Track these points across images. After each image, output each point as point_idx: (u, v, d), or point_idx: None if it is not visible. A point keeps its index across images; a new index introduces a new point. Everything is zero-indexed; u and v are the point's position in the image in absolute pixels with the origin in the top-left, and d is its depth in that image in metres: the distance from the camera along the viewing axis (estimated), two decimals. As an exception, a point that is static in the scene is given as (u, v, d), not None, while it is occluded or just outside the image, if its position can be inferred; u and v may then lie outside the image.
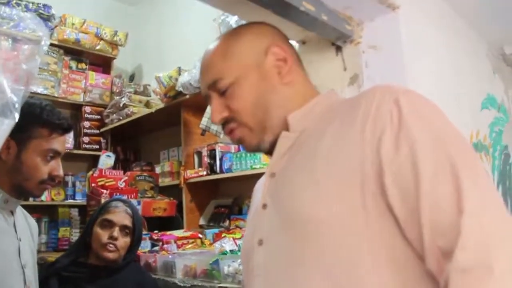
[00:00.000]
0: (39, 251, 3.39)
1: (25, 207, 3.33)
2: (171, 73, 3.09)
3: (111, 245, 1.87)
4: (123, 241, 1.91)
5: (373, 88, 0.82)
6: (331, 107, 0.91)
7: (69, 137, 3.81)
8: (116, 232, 1.89)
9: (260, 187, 1.04)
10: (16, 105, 1.06)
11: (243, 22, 2.48)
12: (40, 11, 3.65)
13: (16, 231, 1.46)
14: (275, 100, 0.92)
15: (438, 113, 0.78)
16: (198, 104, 2.96)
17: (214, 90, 0.94)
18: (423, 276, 0.71)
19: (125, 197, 2.73)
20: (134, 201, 2.88)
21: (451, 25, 1.89)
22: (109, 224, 1.91)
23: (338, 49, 1.60)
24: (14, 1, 3.55)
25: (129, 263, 1.96)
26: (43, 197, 3.55)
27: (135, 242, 1.98)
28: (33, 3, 3.64)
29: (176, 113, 3.18)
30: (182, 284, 1.88)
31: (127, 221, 1.94)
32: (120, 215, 1.94)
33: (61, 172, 1.49)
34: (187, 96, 2.98)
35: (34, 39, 1.14)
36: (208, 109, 2.75)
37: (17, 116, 1.02)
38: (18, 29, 3.27)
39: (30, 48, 1.14)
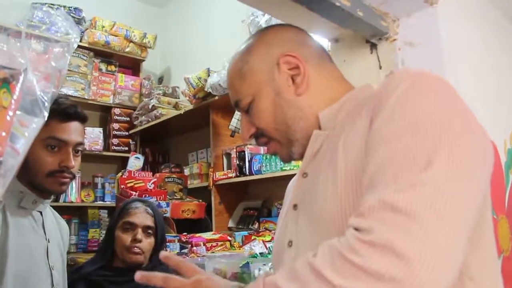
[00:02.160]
0: (69, 252, 3.43)
1: (55, 208, 3.37)
2: (200, 74, 3.07)
3: (135, 248, 1.82)
4: (147, 243, 1.86)
5: (393, 74, 0.78)
6: (361, 101, 0.86)
7: (99, 139, 3.85)
8: (139, 234, 1.84)
9: (292, 187, 1.01)
10: (46, 104, 1.04)
11: (273, 21, 2.47)
12: (71, 14, 3.71)
13: (45, 232, 1.45)
14: (293, 114, 0.90)
15: (436, 102, 0.70)
16: (227, 105, 2.93)
17: (239, 109, 0.96)
18: None
19: (151, 198, 2.72)
20: (163, 203, 2.88)
21: (490, 19, 1.81)
22: (131, 227, 1.86)
23: (373, 46, 1.55)
24: (46, 5, 3.60)
25: (156, 265, 1.92)
26: (73, 198, 3.59)
27: (160, 241, 1.92)
28: (64, 6, 3.69)
29: (205, 115, 3.17)
30: (211, 288, 1.85)
31: (149, 221, 1.89)
32: (141, 216, 1.89)
33: (71, 163, 1.40)
34: (216, 97, 2.96)
35: (65, 40, 1.12)
36: (237, 110, 2.72)
37: (46, 115, 1.00)
38: (50, 32, 3.31)
39: (61, 49, 1.12)
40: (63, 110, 1.42)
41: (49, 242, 1.45)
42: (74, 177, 1.48)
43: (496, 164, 1.54)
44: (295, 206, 0.87)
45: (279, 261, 0.90)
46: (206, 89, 2.97)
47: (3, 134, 0.85)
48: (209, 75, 3.00)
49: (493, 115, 1.64)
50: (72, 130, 1.43)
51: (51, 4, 3.62)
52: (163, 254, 0.90)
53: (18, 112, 0.93)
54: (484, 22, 1.76)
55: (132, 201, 2.00)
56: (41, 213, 1.46)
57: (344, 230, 0.66)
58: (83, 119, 1.50)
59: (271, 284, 0.66)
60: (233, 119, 2.76)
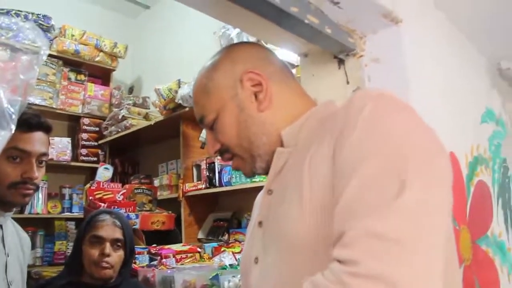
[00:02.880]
0: (34, 265, 3.36)
1: (20, 219, 3.29)
2: (171, 86, 3.07)
3: (104, 263, 1.75)
4: (116, 256, 1.80)
5: (353, 96, 0.79)
6: (323, 119, 0.88)
7: (67, 149, 3.79)
8: (107, 248, 1.77)
9: (258, 202, 1.02)
10: (13, 116, 1.04)
11: (244, 35, 2.50)
12: (40, 21, 3.64)
13: (4, 246, 1.41)
14: (256, 130, 0.92)
15: (402, 122, 0.73)
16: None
17: (203, 125, 0.98)
18: None
19: (120, 210, 2.69)
20: (132, 215, 2.86)
21: (452, 39, 1.88)
22: (99, 240, 1.79)
23: (341, 62, 1.58)
24: (14, 11, 3.54)
25: (125, 278, 1.89)
26: (39, 210, 3.52)
27: (129, 254, 1.86)
28: (32, 13, 3.63)
29: (175, 126, 3.16)
30: (181, 300, 1.85)
31: (118, 234, 1.82)
32: (109, 229, 1.81)
33: (34, 174, 1.37)
34: (187, 109, 2.96)
35: (33, 49, 1.12)
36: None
37: (13, 127, 1.00)
38: (17, 39, 3.25)
39: (29, 58, 1.11)
40: (26, 120, 1.36)
41: (8, 256, 1.41)
42: (37, 188, 1.45)
43: (457, 176, 1.60)
44: (260, 223, 0.89)
45: (246, 275, 0.91)
46: (176, 101, 2.97)
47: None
48: (179, 87, 3.00)
49: (455, 129, 1.70)
50: (35, 141, 1.40)
51: (19, 10, 3.55)
52: None
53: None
54: (446, 41, 1.83)
55: (99, 213, 1.92)
56: (1, 226, 1.42)
57: (310, 252, 0.69)
58: (47, 129, 1.46)
59: None
60: (203, 130, 2.77)
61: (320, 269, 0.65)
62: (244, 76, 0.92)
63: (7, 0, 3.58)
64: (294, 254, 0.76)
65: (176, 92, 2.99)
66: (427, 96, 1.52)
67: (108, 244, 1.78)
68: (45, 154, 1.44)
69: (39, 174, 1.40)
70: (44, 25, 3.72)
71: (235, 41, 2.53)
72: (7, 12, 3.49)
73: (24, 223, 3.38)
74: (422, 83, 1.53)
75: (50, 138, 3.43)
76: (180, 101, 2.93)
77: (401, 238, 0.60)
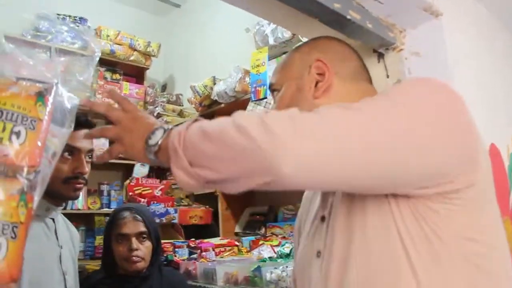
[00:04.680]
0: (78, 259, 3.46)
1: (63, 215, 3.39)
2: (206, 82, 3.12)
3: (133, 257, 1.84)
4: (144, 248, 1.88)
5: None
6: None
7: (105, 147, 3.85)
8: (133, 243, 1.85)
9: (312, 195, 1.05)
10: (72, 115, 1.09)
11: (278, 31, 2.52)
12: (77, 24, 3.75)
13: (57, 239, 1.48)
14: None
15: (423, 100, 0.77)
16: (232, 112, 2.96)
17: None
18: None
19: (159, 205, 2.76)
20: (171, 209, 2.92)
21: (492, 32, 1.87)
22: (124, 237, 1.87)
23: (380, 56, 1.59)
24: (53, 16, 3.65)
25: (159, 266, 1.95)
26: (79, 206, 3.62)
27: (156, 242, 1.93)
28: (70, 16, 3.74)
29: (210, 122, 3.19)
30: (224, 292, 1.89)
31: (140, 227, 1.89)
32: (131, 225, 1.89)
33: (85, 169, 1.46)
34: (222, 105, 3.00)
35: (89, 55, 1.17)
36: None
37: (72, 125, 1.05)
38: (56, 41, 3.34)
39: (85, 60, 1.17)
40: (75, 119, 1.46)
41: (61, 248, 1.48)
42: (86, 182, 1.52)
43: (499, 167, 1.59)
44: (323, 218, 0.91)
45: (303, 270, 0.93)
46: (212, 97, 3.02)
47: (39, 144, 0.89)
48: (215, 83, 3.04)
49: (495, 121, 1.69)
50: (83, 138, 1.47)
51: (57, 14, 3.67)
52: (107, 90, 1.01)
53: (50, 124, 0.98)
54: (485, 30, 1.81)
55: (118, 210, 1.99)
56: (53, 220, 1.49)
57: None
58: (92, 127, 1.54)
59: (196, 126, 0.79)
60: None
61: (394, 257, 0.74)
62: (314, 63, 0.98)
63: (45, 4, 3.69)
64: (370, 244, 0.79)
65: (212, 88, 3.03)
66: (468, 88, 1.52)
67: (133, 239, 1.86)
68: (92, 150, 1.53)
69: (88, 169, 1.49)
70: (80, 27, 3.83)
71: (270, 37, 2.56)
72: (46, 16, 3.60)
73: (67, 218, 3.51)
74: (462, 76, 1.52)
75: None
76: (216, 98, 2.98)
77: (325, 121, 0.72)
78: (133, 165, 3.63)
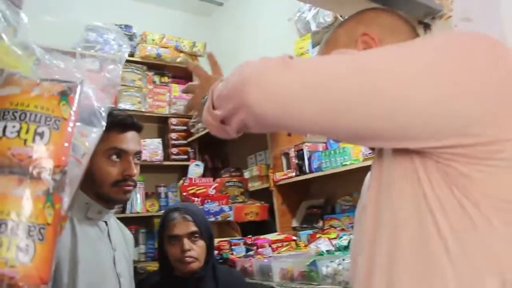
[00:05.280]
0: (139, 261, 3.53)
1: (123, 219, 3.46)
2: (251, 76, 3.07)
3: (187, 258, 1.80)
4: (197, 247, 1.84)
5: None
6: None
7: (159, 149, 3.93)
8: (186, 244, 1.81)
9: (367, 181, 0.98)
10: (103, 114, 1.06)
11: (320, 15, 2.43)
12: (123, 31, 3.81)
13: (110, 241, 1.49)
14: None
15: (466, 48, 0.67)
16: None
17: None
18: None
19: (213, 203, 2.74)
20: (226, 207, 2.89)
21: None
22: (176, 239, 1.84)
23: (427, 27, 1.48)
24: (100, 26, 3.73)
25: (214, 265, 1.91)
26: (138, 209, 3.69)
27: (208, 241, 1.89)
28: (115, 24, 3.80)
29: (259, 116, 3.14)
30: (280, 288, 1.83)
31: (191, 227, 1.85)
32: (181, 226, 1.85)
33: (133, 171, 1.45)
34: (270, 97, 2.94)
35: (117, 58, 1.15)
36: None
37: (104, 124, 1.02)
38: (104, 51, 3.42)
39: (113, 60, 1.14)
40: (121, 121, 1.47)
41: (115, 250, 1.48)
42: (135, 184, 1.52)
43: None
44: (366, 205, 0.84)
45: (355, 257, 0.87)
46: (258, 90, 2.96)
47: (66, 144, 0.87)
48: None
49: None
50: (131, 140, 1.48)
51: (104, 24, 3.75)
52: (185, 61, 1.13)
53: (77, 124, 0.95)
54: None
55: (168, 212, 1.96)
56: (106, 223, 1.50)
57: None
58: (139, 129, 1.54)
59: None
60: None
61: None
62: (360, 38, 0.92)
63: (91, 15, 3.78)
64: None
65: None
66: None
67: (185, 240, 1.82)
68: (140, 152, 1.52)
69: (136, 171, 1.48)
70: (126, 34, 3.90)
71: (312, 23, 2.47)
72: (94, 27, 3.69)
73: (127, 222, 3.55)
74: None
75: (142, 140, 3.58)
76: (262, 91, 2.91)
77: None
78: (188, 166, 3.66)
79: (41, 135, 0.82)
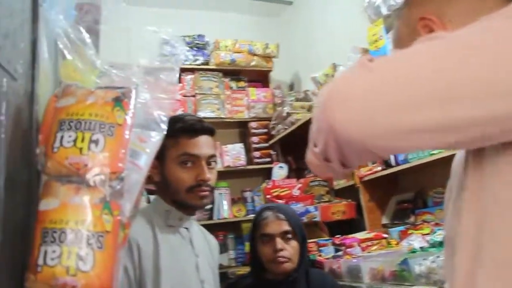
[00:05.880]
0: (230, 266, 3.55)
1: (210, 225, 3.50)
2: (327, 71, 2.98)
3: (279, 258, 1.75)
4: (290, 248, 1.78)
5: None
6: None
7: (241, 154, 3.94)
8: (278, 243, 1.75)
9: (455, 166, 0.84)
10: (163, 118, 1.04)
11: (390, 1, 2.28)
12: (196, 41, 3.89)
13: (193, 247, 1.48)
14: None
15: None
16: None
17: None
18: None
19: (297, 204, 2.68)
20: (311, 208, 2.82)
21: None
22: (269, 238, 1.79)
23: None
24: (174, 39, 3.83)
25: (307, 268, 1.84)
26: (225, 215, 3.71)
27: (302, 242, 1.83)
28: (188, 36, 3.89)
29: (338, 112, 3.03)
30: (370, 289, 1.72)
31: (284, 226, 1.79)
32: (274, 224, 1.80)
33: (206, 176, 1.43)
34: (347, 91, 2.83)
35: (173, 62, 1.15)
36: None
37: (164, 128, 1.00)
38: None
39: (169, 63, 1.14)
40: (190, 126, 1.46)
41: (198, 257, 1.48)
42: (212, 190, 1.49)
43: None
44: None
45: (450, 247, 0.75)
46: (335, 85, 2.85)
47: (122, 151, 0.85)
48: (335, 70, 2.88)
49: None
50: (202, 144, 1.47)
51: (178, 36, 3.86)
52: None
53: (136, 130, 0.94)
54: None
55: (260, 211, 1.92)
56: (187, 229, 1.49)
57: None
58: (211, 132, 1.52)
59: None
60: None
61: None
62: (419, 24, 0.78)
63: (163, 28, 3.89)
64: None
65: (333, 76, 2.88)
66: None
67: (278, 239, 1.77)
68: (213, 156, 1.50)
69: (211, 175, 1.46)
70: (200, 43, 3.97)
71: (382, 7, 2.33)
72: (167, 42, 3.79)
73: (214, 228, 3.62)
74: None
75: (223, 146, 3.61)
76: (339, 85, 2.81)
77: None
78: (271, 169, 3.63)
79: (96, 142, 0.82)
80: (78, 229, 0.75)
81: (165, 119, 1.05)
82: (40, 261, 0.72)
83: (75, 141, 0.81)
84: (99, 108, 0.85)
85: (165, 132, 1.04)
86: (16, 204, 0.80)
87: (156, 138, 1.01)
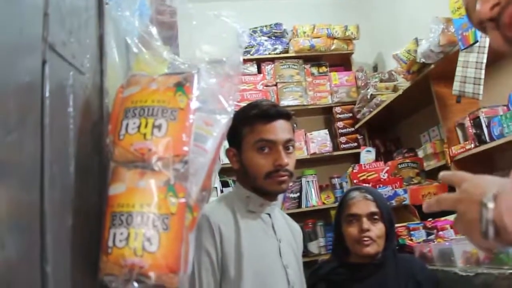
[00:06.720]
0: (320, 254, 3.52)
1: (299, 213, 3.50)
2: (409, 47, 2.83)
3: (365, 239, 1.70)
4: (377, 229, 1.72)
5: None
6: None
7: (327, 141, 3.88)
8: (364, 223, 1.71)
9: None
10: (230, 101, 1.05)
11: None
12: (273, 30, 3.89)
13: (275, 233, 1.48)
14: None
15: None
16: (446, 71, 2.60)
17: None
18: None
19: (385, 188, 2.58)
20: (400, 190, 2.71)
21: None
22: (355, 218, 1.74)
23: None
24: (252, 29, 3.87)
25: (394, 253, 1.77)
26: (314, 202, 3.68)
27: (389, 226, 1.76)
28: (266, 26, 3.90)
29: (425, 88, 2.88)
30: (463, 274, 1.60)
31: (372, 207, 1.74)
32: (361, 204, 1.75)
33: (284, 161, 1.42)
34: (432, 66, 2.67)
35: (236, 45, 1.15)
36: (458, 71, 2.39)
37: (231, 110, 1.00)
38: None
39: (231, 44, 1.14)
40: (264, 112, 1.46)
41: (280, 242, 1.48)
42: (291, 175, 1.48)
43: None
44: None
45: None
46: (418, 60, 2.71)
47: (186, 135, 0.86)
48: (418, 45, 2.73)
49: None
50: (277, 129, 1.45)
51: (255, 27, 3.88)
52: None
53: (202, 114, 0.95)
54: None
55: (348, 191, 1.88)
56: (269, 215, 1.50)
57: None
58: (287, 116, 1.50)
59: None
60: (455, 82, 2.43)
61: None
62: None
63: (245, 23, 3.92)
64: None
65: (415, 51, 2.73)
66: None
67: (364, 219, 1.72)
68: (290, 140, 1.48)
69: (289, 160, 1.45)
70: (278, 32, 3.96)
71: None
72: (246, 32, 3.84)
73: (303, 216, 3.61)
74: None
75: (308, 133, 3.59)
76: (423, 60, 2.66)
77: None
78: (359, 153, 3.55)
79: (159, 127, 0.83)
80: (144, 211, 0.77)
81: (231, 102, 1.05)
82: (110, 243, 0.75)
83: (139, 127, 0.83)
84: (161, 94, 0.87)
85: (231, 116, 1.04)
86: (89, 190, 0.84)
87: (222, 121, 1.01)
